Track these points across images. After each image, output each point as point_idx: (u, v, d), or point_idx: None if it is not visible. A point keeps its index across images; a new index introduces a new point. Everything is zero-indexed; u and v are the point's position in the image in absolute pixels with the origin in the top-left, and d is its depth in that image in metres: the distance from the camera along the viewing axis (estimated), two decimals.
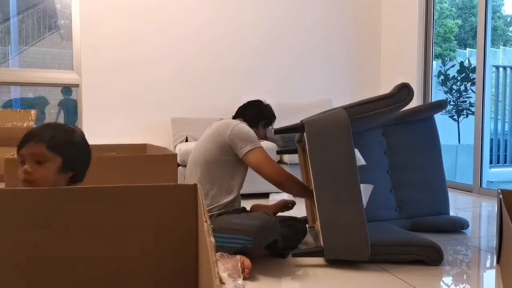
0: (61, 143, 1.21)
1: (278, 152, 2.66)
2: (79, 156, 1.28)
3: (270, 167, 1.93)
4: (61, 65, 4.58)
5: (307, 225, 2.35)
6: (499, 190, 1.14)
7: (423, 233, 2.30)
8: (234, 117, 2.20)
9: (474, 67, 5.05)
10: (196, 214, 0.97)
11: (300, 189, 2.03)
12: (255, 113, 2.20)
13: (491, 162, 5.30)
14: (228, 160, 1.97)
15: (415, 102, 4.34)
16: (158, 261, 0.99)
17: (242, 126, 2.00)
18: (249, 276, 1.70)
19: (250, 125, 2.11)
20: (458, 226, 2.47)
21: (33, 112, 3.06)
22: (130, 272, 0.98)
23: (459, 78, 5.70)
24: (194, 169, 2.00)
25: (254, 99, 2.30)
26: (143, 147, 2.66)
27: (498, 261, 1.90)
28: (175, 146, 3.75)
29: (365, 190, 1.86)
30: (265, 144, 2.99)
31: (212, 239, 0.78)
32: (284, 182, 1.96)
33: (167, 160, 1.97)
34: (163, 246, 0.99)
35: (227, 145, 1.95)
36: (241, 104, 2.29)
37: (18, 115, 3.03)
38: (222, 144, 1.96)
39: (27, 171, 1.15)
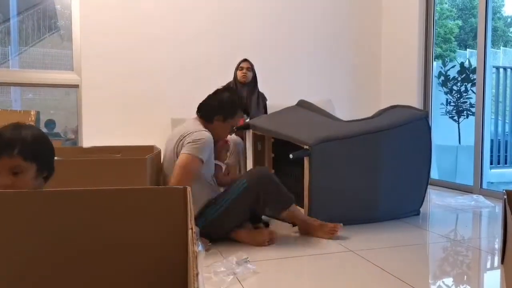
0: (34, 151, 1.20)
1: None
2: (49, 156, 1.28)
3: (177, 178, 2.01)
4: (61, 65, 4.58)
5: None
6: (504, 191, 1.15)
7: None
8: (197, 111, 2.32)
9: (475, 68, 5.04)
10: (185, 218, 0.94)
11: None
12: (210, 109, 2.25)
13: (491, 163, 5.29)
14: None
15: (415, 103, 4.34)
16: (145, 266, 0.96)
17: (201, 133, 2.10)
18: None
19: (205, 121, 2.22)
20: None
21: (32, 112, 3.05)
22: (116, 277, 0.95)
23: (459, 79, 5.69)
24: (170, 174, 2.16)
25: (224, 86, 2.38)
26: (150, 148, 2.63)
27: (502, 261, 1.90)
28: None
29: None
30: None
31: (196, 248, 0.74)
32: None
33: (137, 164, 1.96)
34: (151, 250, 0.96)
35: (179, 146, 2.10)
36: None
37: (18, 115, 3.02)
38: (177, 149, 2.12)
39: (7, 184, 1.14)
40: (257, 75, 3.73)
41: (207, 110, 2.25)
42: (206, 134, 2.11)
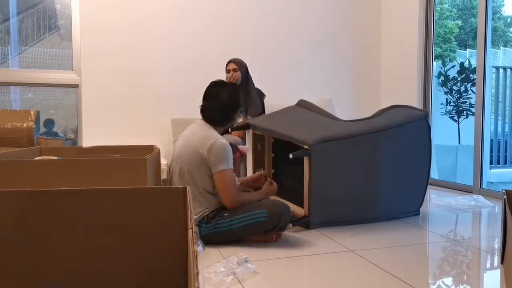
0: None
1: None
2: None
3: (228, 194, 2.15)
4: (61, 65, 4.57)
5: None
6: (503, 191, 1.15)
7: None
8: (203, 118, 2.33)
9: (474, 68, 5.04)
10: (186, 218, 0.93)
11: (256, 196, 2.32)
12: (217, 114, 2.29)
13: (491, 163, 5.29)
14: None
15: (415, 103, 4.34)
16: (145, 266, 0.96)
17: (219, 144, 2.15)
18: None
19: (214, 125, 2.28)
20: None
21: (32, 112, 3.05)
22: (116, 277, 0.95)
23: (459, 79, 5.68)
24: (183, 174, 2.21)
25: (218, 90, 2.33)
26: (149, 148, 2.63)
27: (502, 261, 1.90)
28: (175, 147, 3.75)
29: None
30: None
31: (196, 248, 0.74)
32: (234, 207, 2.17)
33: (136, 164, 1.96)
34: (151, 250, 0.95)
35: (205, 158, 2.15)
36: None
37: (18, 115, 3.02)
38: (202, 157, 2.15)
39: None
40: (251, 72, 3.61)
41: (214, 115, 2.29)
42: (224, 143, 2.18)
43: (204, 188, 2.17)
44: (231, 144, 2.39)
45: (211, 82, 2.36)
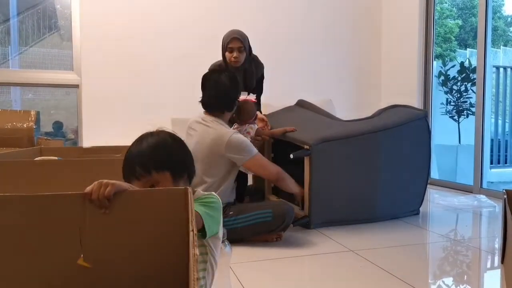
0: (163, 162, 1.20)
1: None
2: (179, 159, 1.26)
3: (268, 170, 2.30)
4: (61, 65, 4.58)
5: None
6: (504, 190, 1.15)
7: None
8: (206, 110, 2.36)
9: (475, 67, 5.03)
10: (187, 220, 0.93)
11: (294, 185, 2.42)
12: (222, 105, 2.32)
13: (491, 163, 5.29)
14: (223, 162, 2.22)
15: (416, 102, 4.33)
16: (145, 268, 0.95)
17: (235, 138, 2.19)
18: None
19: (225, 112, 2.32)
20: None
21: (33, 112, 3.05)
22: (116, 279, 0.95)
23: (459, 78, 5.68)
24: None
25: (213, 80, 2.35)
26: None
27: (502, 261, 1.90)
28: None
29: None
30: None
31: (197, 251, 0.72)
32: (283, 178, 2.32)
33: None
34: (151, 252, 0.95)
35: (224, 156, 2.17)
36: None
37: (18, 115, 3.02)
38: (218, 153, 2.18)
39: None
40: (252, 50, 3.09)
41: (216, 106, 2.31)
42: (238, 136, 2.22)
43: (218, 183, 2.20)
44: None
45: (206, 73, 2.44)
